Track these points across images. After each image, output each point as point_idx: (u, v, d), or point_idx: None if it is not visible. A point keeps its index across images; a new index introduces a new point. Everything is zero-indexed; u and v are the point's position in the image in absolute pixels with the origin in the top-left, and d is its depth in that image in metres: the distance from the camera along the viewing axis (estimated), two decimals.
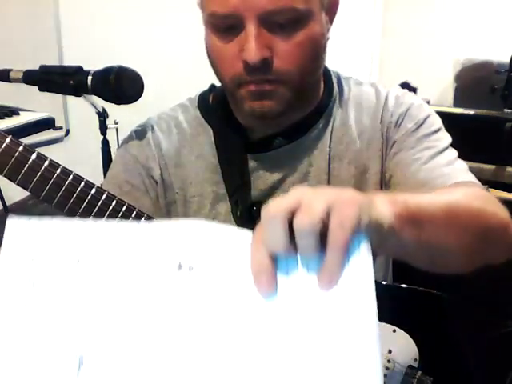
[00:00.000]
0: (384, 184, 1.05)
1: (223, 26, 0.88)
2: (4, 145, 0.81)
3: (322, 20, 0.93)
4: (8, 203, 1.09)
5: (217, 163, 1.03)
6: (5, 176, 0.82)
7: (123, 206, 0.91)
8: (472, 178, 0.97)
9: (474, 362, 1.15)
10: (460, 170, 0.99)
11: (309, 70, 0.94)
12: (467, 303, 1.14)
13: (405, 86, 2.90)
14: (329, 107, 1.05)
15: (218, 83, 1.09)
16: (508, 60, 2.50)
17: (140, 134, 1.06)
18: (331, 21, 0.97)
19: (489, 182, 2.18)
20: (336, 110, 1.06)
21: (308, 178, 1.04)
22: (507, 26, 3.50)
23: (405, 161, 1.00)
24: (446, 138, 1.04)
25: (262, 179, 1.03)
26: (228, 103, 1.04)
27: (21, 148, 0.82)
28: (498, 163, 2.38)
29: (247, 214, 0.99)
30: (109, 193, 0.91)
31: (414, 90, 2.88)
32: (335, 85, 1.07)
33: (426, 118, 1.03)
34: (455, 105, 3.22)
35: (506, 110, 2.49)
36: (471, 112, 2.56)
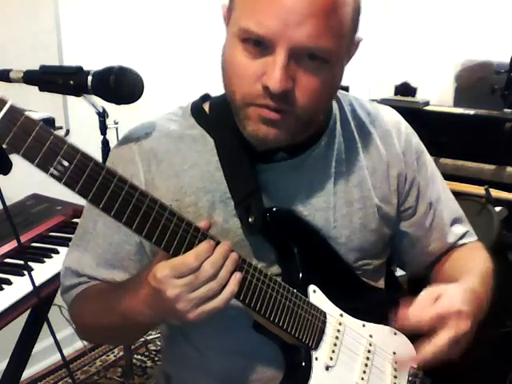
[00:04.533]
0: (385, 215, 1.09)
1: (253, 42, 0.86)
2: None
3: (343, 64, 0.94)
4: (8, 203, 1.09)
5: (212, 171, 1.00)
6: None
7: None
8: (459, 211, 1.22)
9: (474, 362, 1.15)
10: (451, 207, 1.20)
11: (322, 107, 0.96)
12: None
13: (405, 86, 2.89)
14: (330, 125, 1.06)
15: (212, 91, 1.08)
16: (508, 60, 2.50)
17: (127, 147, 1.02)
18: (347, 62, 0.98)
19: (489, 182, 2.19)
20: (339, 128, 1.06)
21: (311, 195, 1.03)
22: (507, 27, 3.50)
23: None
24: (437, 172, 1.19)
25: (263, 190, 1.00)
26: (230, 112, 1.00)
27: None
28: (498, 163, 2.37)
29: (261, 221, 0.97)
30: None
31: (413, 90, 2.88)
32: (333, 101, 1.07)
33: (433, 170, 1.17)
34: (455, 105, 3.22)
35: (505, 110, 2.48)
36: (471, 112, 2.55)
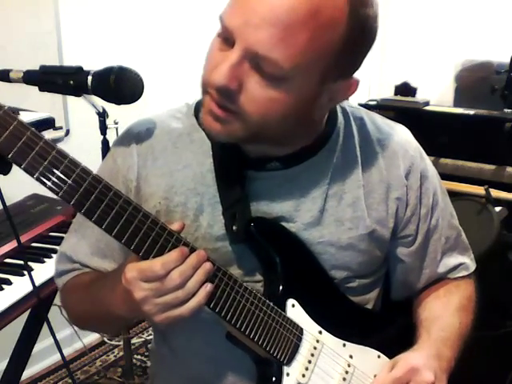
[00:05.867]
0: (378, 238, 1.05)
1: (223, 36, 0.87)
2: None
3: (316, 95, 0.90)
4: (8, 203, 1.09)
5: (204, 173, 1.00)
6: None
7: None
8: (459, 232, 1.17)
9: (474, 362, 1.15)
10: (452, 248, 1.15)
11: (274, 125, 0.90)
12: None
13: (405, 85, 2.89)
14: (332, 139, 1.03)
15: None
16: (508, 60, 2.50)
17: (127, 140, 1.04)
18: (334, 100, 0.94)
19: (489, 182, 2.19)
20: (340, 143, 1.03)
21: (299, 208, 1.00)
22: (507, 27, 3.50)
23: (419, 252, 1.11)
24: (447, 201, 1.14)
25: (252, 197, 0.99)
26: None
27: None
28: (497, 163, 2.37)
29: (244, 230, 0.96)
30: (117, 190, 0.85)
31: (414, 90, 2.88)
32: (340, 114, 1.05)
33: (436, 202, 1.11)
34: (455, 105, 3.22)
35: (505, 110, 2.48)
36: (471, 112, 2.55)
